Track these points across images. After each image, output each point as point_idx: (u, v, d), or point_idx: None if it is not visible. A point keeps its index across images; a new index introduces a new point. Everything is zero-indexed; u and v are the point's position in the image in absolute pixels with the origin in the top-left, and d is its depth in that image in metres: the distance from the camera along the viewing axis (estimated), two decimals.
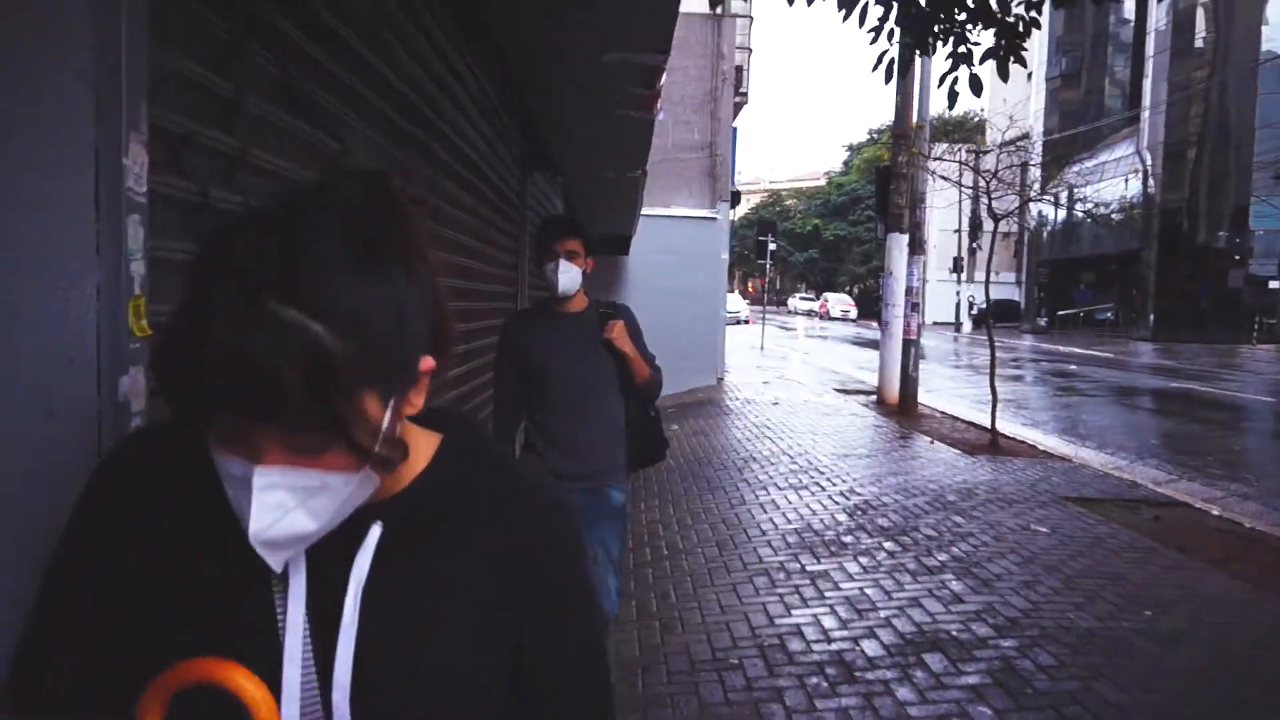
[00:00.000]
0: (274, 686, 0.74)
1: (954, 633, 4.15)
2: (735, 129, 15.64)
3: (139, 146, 1.14)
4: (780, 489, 7.14)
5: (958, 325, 38.72)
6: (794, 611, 4.44)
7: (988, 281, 9.89)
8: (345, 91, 1.97)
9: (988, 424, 9.38)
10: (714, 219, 14.00)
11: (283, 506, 0.68)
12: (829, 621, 4.30)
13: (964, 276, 38.79)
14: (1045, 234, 40.81)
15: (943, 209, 23.65)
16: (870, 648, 3.99)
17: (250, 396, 0.63)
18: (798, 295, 59.43)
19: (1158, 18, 33.13)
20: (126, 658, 0.77)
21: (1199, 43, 32.00)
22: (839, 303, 49.08)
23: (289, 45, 1.63)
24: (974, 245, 39.02)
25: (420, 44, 2.50)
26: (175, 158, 1.30)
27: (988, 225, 10.47)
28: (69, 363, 1.07)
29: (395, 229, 0.71)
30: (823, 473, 7.80)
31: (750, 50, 17.45)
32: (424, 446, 0.83)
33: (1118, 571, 5.04)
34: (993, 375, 9.52)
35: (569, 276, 2.93)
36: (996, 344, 10.24)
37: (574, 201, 7.39)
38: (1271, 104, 28.65)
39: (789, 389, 14.55)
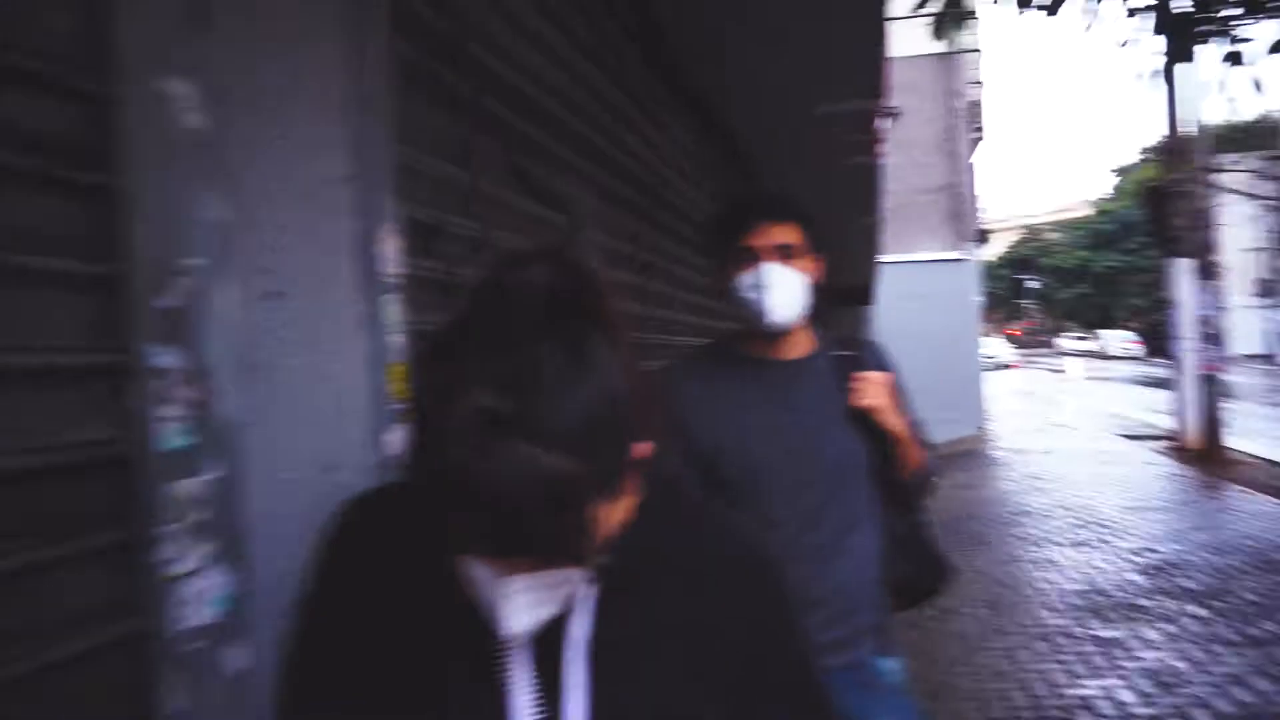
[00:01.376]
0: None
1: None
2: (973, 166, 14.89)
3: (390, 236, 1.31)
4: (1058, 545, 6.47)
5: (1270, 356, 33.36)
6: (1082, 681, 3.95)
7: None
8: (568, 168, 2.13)
9: None
10: (962, 260, 13.29)
11: (532, 605, 0.69)
12: (1126, 696, 3.78)
13: (1275, 300, 33.48)
14: None
15: (1239, 226, 20.71)
16: None
17: (496, 531, 0.63)
18: (1066, 335, 54.37)
19: None
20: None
21: None
22: (1117, 340, 44.26)
23: (514, 133, 1.80)
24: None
25: (634, 115, 2.65)
26: (427, 244, 1.47)
27: None
28: (344, 422, 1.22)
29: (598, 317, 0.68)
30: (1108, 527, 6.97)
31: (982, 84, 16.62)
32: (626, 504, 0.78)
33: None
34: None
35: (784, 290, 1.64)
36: None
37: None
38: None
39: (1064, 436, 13.24)
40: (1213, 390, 10.35)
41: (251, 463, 1.06)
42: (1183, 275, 10.72)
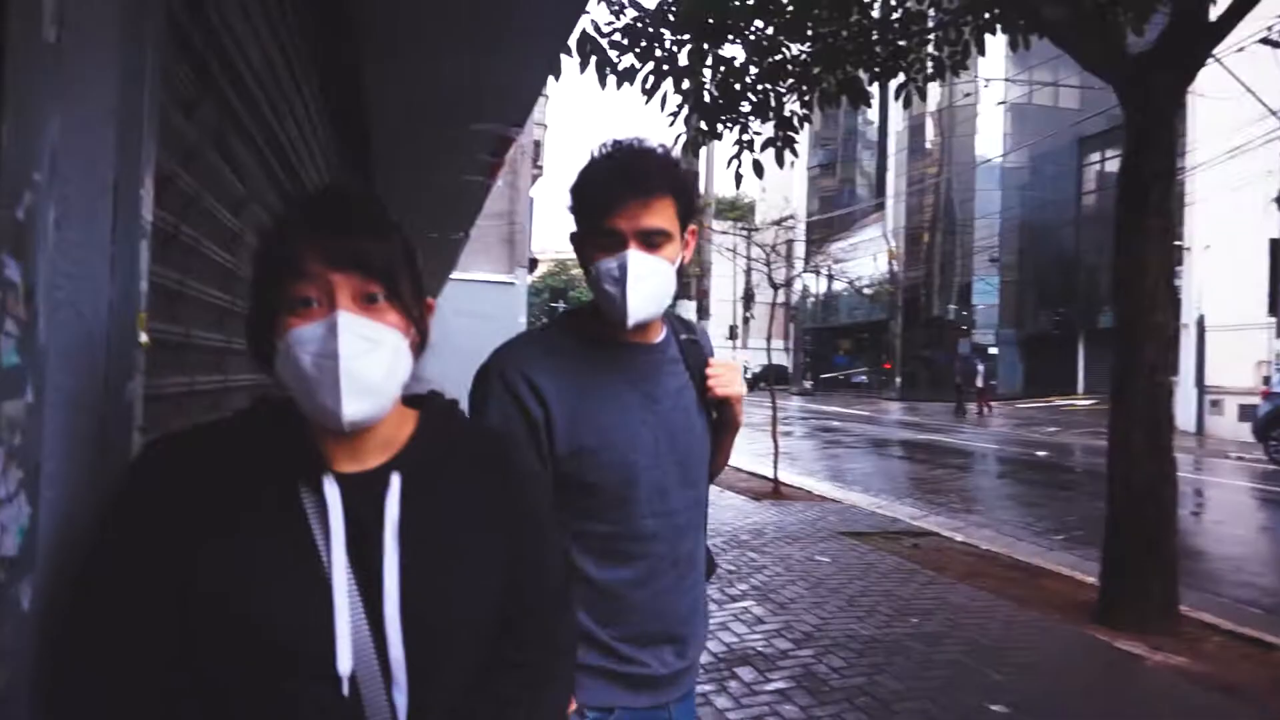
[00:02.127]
0: (324, 612, 0.97)
1: (759, 649, 4.64)
2: (532, 199, 16.18)
3: (150, 180, 1.32)
4: None
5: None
6: None
7: (769, 346, 10.90)
8: (251, 144, 2.15)
9: (770, 474, 10.25)
10: (513, 284, 14.36)
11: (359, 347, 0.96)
12: None
13: (739, 343, 41.61)
14: (809, 305, 44.92)
15: (720, 279, 25.48)
16: None
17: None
18: None
19: (897, 121, 38.00)
20: (189, 610, 0.94)
21: (929, 145, 37.06)
22: None
23: (228, 107, 1.82)
24: (748, 314, 42.03)
25: (300, 102, 2.68)
26: (160, 194, 1.47)
27: (760, 296, 11.55)
28: (85, 366, 1.21)
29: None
30: None
31: (546, 126, 18.21)
32: (411, 416, 1.10)
33: (888, 590, 5.81)
34: (774, 430, 10.45)
35: (651, 284, 1.38)
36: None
37: None
38: (986, 199, 33.65)
39: None
40: None
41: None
42: (684, 313, 13.03)
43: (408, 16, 2.55)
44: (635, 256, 1.35)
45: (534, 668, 1.12)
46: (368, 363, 0.95)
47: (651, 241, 1.37)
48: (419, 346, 1.05)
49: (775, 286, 10.70)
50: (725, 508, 9.00)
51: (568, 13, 2.55)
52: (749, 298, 40.50)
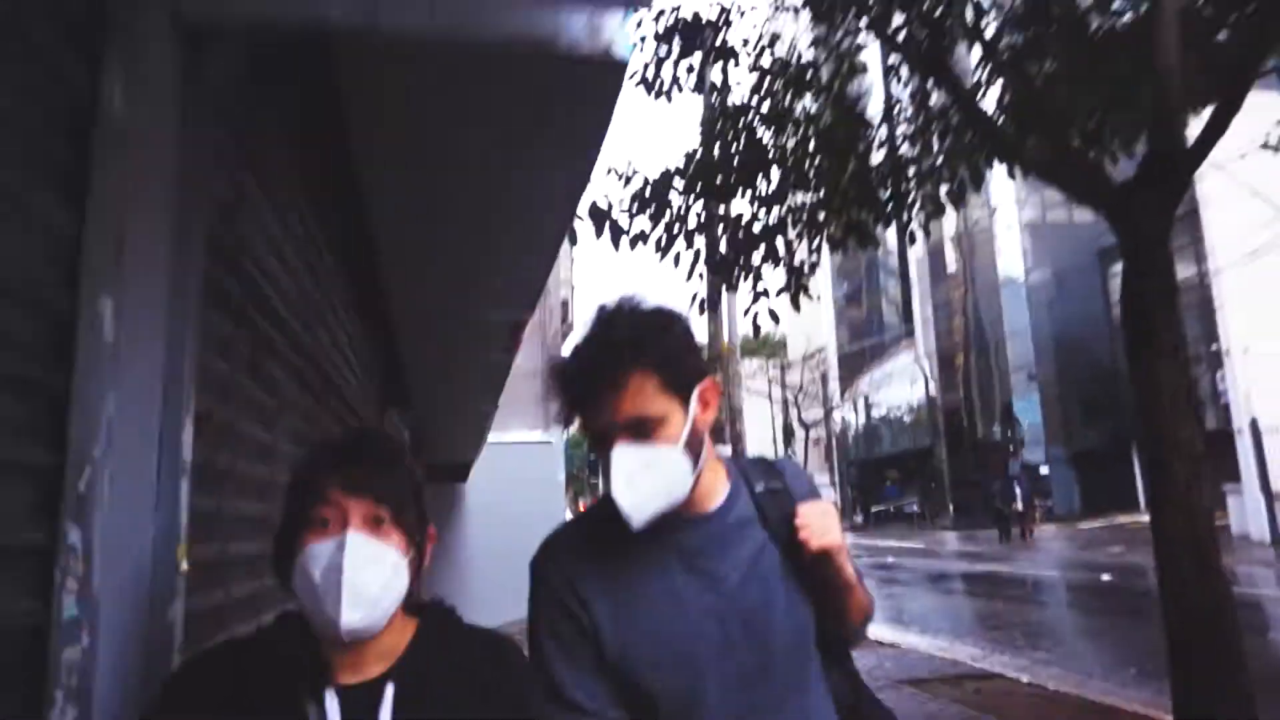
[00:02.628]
0: None
1: None
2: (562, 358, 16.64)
3: (191, 422, 1.52)
4: None
5: None
6: None
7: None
8: (282, 361, 2.39)
9: None
10: (549, 443, 14.53)
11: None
12: None
13: None
14: (850, 437, 44.48)
15: (757, 421, 25.56)
16: None
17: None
18: None
19: (917, 248, 38.92)
20: None
21: (950, 270, 37.69)
22: None
23: (261, 336, 2.06)
24: (789, 452, 41.76)
25: (328, 308, 2.95)
26: (198, 429, 1.66)
27: (799, 433, 11.59)
28: (132, 600, 1.36)
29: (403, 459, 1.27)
30: None
31: (573, 286, 18.99)
32: (411, 625, 1.24)
33: None
34: None
35: (650, 479, 1.23)
36: None
37: (421, 434, 7.73)
38: (1015, 316, 33.78)
39: None
40: None
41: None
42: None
43: (419, 227, 2.87)
44: (620, 454, 1.20)
45: None
46: (368, 576, 1.09)
47: (642, 430, 1.21)
48: (417, 565, 1.19)
49: (806, 427, 10.75)
50: None
51: (563, 212, 2.84)
52: (788, 434, 40.35)
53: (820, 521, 1.30)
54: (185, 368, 1.48)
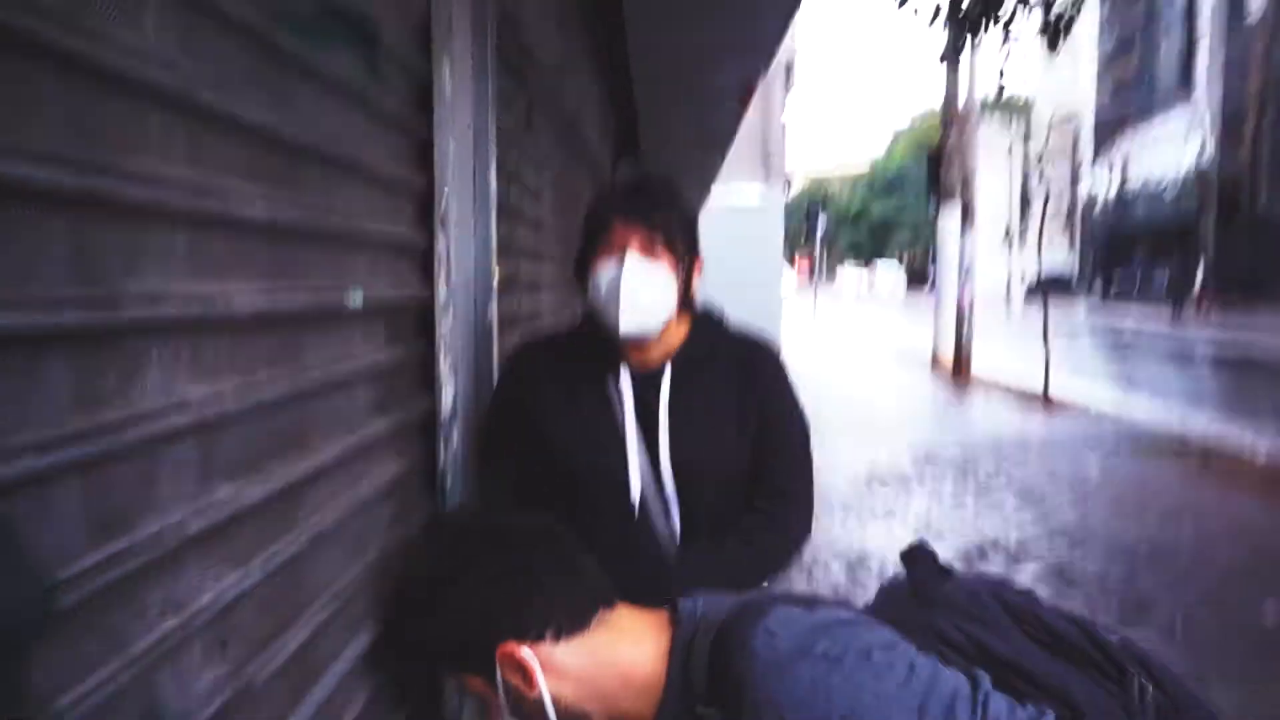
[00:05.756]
0: (621, 462, 1.47)
1: (1010, 542, 4.80)
2: (784, 124, 16.12)
3: (494, 164, 1.89)
4: (846, 442, 7.79)
5: (1009, 295, 38.65)
6: (866, 532, 5.12)
7: (1039, 252, 10.28)
8: (547, 116, 2.72)
9: (1040, 384, 9.86)
10: (769, 205, 14.54)
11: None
12: (902, 534, 4.98)
13: (1015, 248, 38.68)
14: (1099, 204, 40.36)
15: (993, 181, 23.78)
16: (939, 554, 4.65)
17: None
18: (846, 269, 59.70)
19: None
20: (538, 459, 1.51)
21: (1250, 17, 31.29)
22: (887, 276, 49.40)
23: (532, 96, 2.39)
24: (1025, 221, 38.82)
25: (581, 73, 3.22)
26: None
27: (1038, 203, 10.86)
28: (465, 297, 1.80)
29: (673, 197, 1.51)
30: (885, 429, 8.43)
31: (797, 49, 17.92)
32: (686, 325, 1.55)
33: (1163, 497, 5.62)
34: (1045, 337, 9.97)
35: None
36: (1050, 315, 10.68)
37: None
38: None
39: (845, 358, 15.11)
40: (963, 320, 12.33)
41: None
42: (948, 220, 12.57)
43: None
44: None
45: (769, 515, 1.57)
46: (642, 291, 1.42)
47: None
48: (687, 283, 1.50)
49: (1046, 196, 10.02)
50: (989, 417, 8.90)
51: None
52: (1025, 203, 37.31)
53: None
54: (488, 120, 1.82)
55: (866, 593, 4.17)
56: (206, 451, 0.80)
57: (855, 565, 4.58)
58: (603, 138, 4.49)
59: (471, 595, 0.95)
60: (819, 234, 22.35)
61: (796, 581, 4.35)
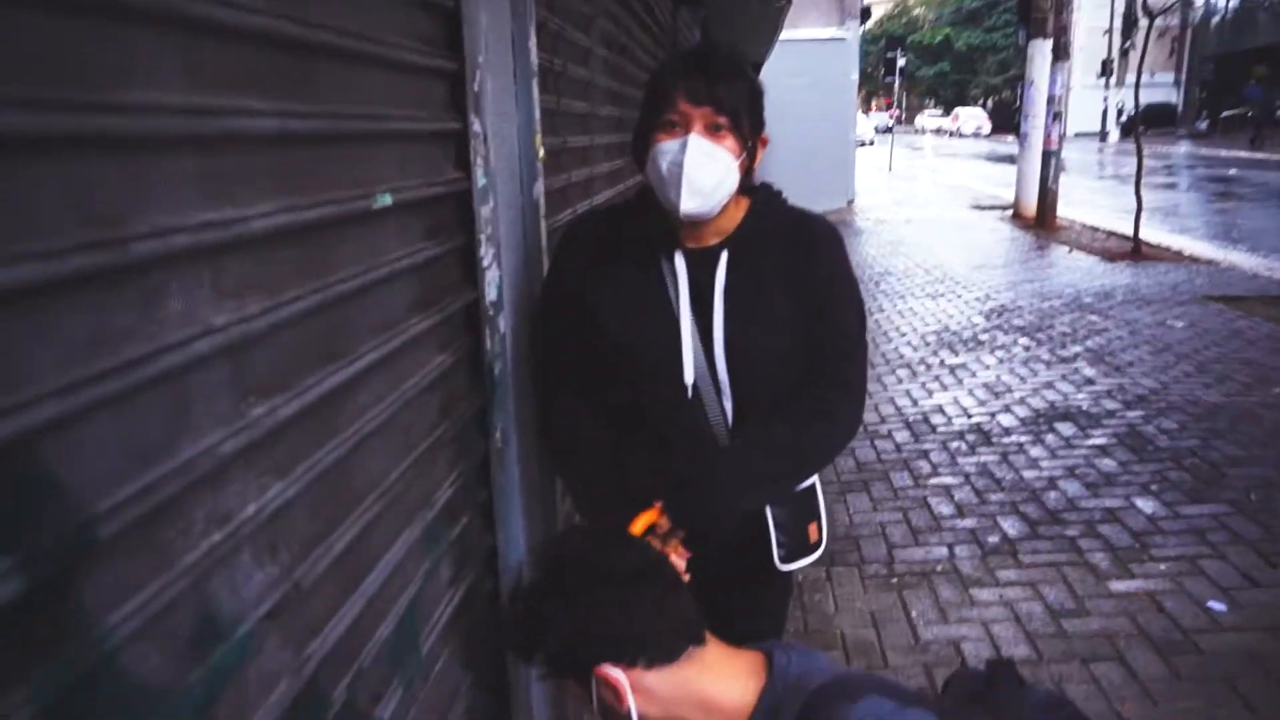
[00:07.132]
0: (675, 344, 1.44)
1: (1084, 407, 4.70)
2: None
3: (534, 30, 1.79)
4: (916, 297, 7.61)
5: (1104, 134, 36.12)
6: (934, 395, 5.07)
7: (1138, 85, 9.50)
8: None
9: (1130, 232, 9.36)
10: (843, 39, 13.69)
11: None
12: (967, 401, 4.93)
13: (1113, 81, 35.76)
14: (1212, 25, 36.64)
15: (1092, 9, 21.73)
16: (1006, 420, 4.60)
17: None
18: (926, 112, 56.35)
19: None
20: (591, 341, 1.49)
21: None
22: (971, 118, 46.46)
23: None
24: (1126, 45, 35.66)
25: None
26: (539, 38, 1.94)
27: (1143, 22, 9.95)
28: (509, 177, 1.75)
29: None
30: (957, 282, 8.18)
31: None
32: (744, 205, 1.49)
33: (1252, 357, 5.38)
34: (1138, 181, 9.37)
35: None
36: (1148, 151, 9.99)
37: (711, 33, 7.63)
38: None
39: (921, 208, 14.54)
40: (1050, 164, 11.61)
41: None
42: (1038, 55, 11.62)
43: None
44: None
45: (821, 399, 1.54)
46: (704, 173, 1.36)
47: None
48: (749, 164, 1.43)
49: (1151, 15, 9.16)
50: (1070, 269, 8.54)
51: None
52: (1130, 24, 34.12)
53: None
54: None
55: (931, 454, 4.20)
56: (238, 372, 0.81)
57: (919, 431, 4.57)
58: None
59: (577, 622, 1.06)
60: (898, 73, 20.99)
61: (858, 445, 4.38)
